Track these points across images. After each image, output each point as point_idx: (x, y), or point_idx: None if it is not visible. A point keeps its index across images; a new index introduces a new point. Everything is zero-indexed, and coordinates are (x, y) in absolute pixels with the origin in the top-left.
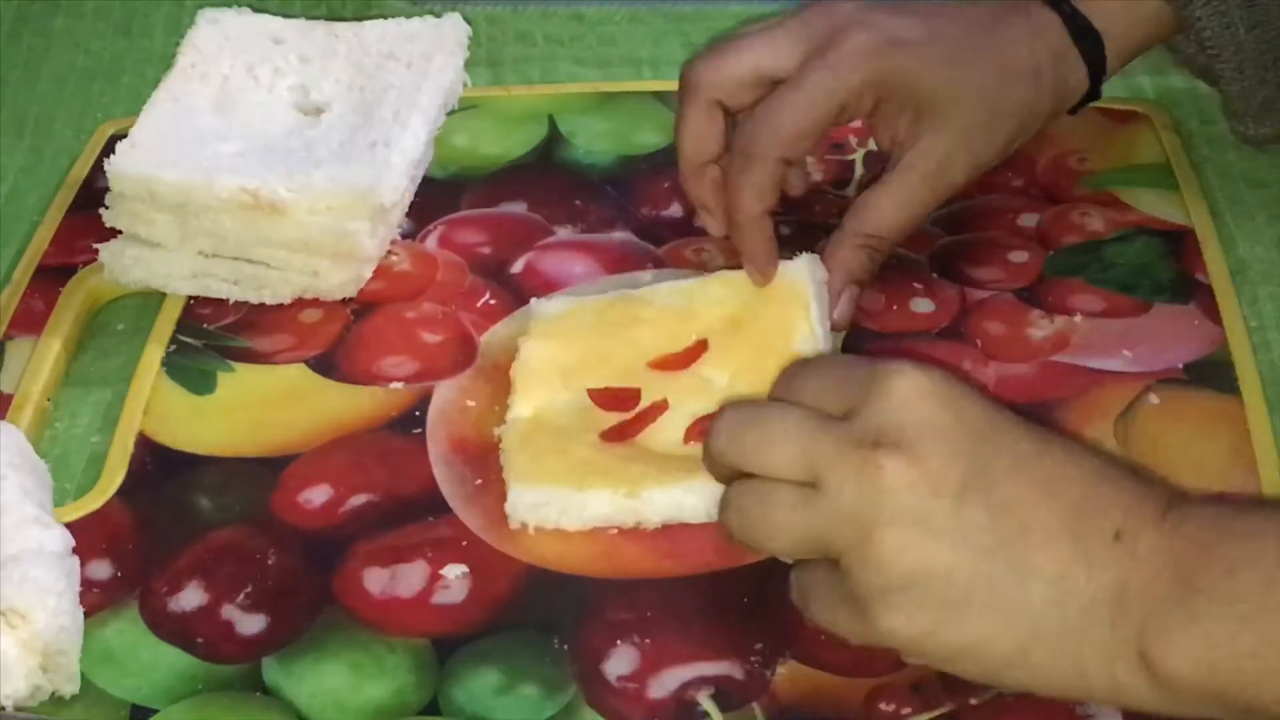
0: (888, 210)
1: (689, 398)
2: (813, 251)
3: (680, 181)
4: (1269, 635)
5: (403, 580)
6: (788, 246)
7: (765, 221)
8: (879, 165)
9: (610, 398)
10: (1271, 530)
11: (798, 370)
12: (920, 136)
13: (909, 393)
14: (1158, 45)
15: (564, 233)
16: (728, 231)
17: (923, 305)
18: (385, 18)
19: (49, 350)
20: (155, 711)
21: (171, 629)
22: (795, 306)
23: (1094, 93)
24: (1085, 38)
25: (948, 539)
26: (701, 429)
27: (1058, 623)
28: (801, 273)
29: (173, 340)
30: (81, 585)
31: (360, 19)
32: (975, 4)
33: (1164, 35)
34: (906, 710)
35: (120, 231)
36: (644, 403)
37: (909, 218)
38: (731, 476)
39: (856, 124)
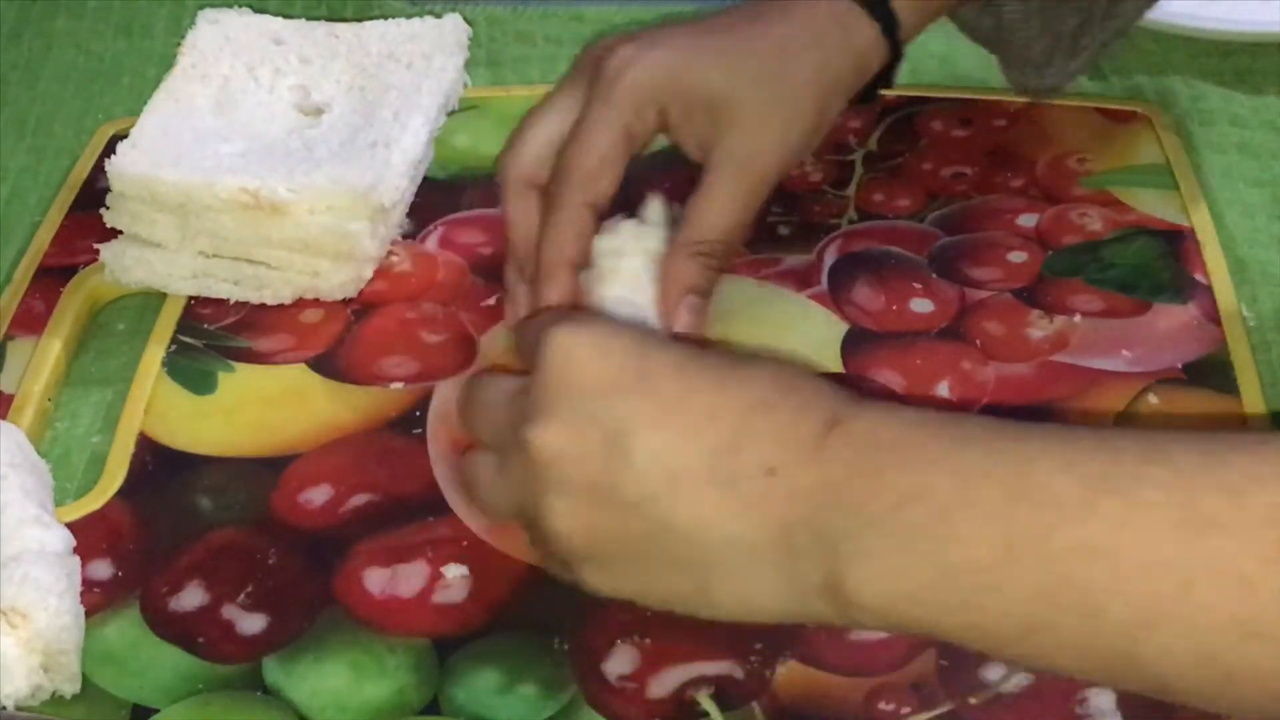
0: (707, 213)
1: None
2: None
3: (507, 277)
4: (945, 568)
5: (403, 580)
6: (787, 247)
7: (567, 274)
8: (879, 165)
9: None
10: (938, 456)
11: (516, 336)
12: (719, 136)
13: (557, 354)
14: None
15: None
16: (535, 287)
17: (922, 305)
18: (385, 18)
19: (50, 350)
20: (156, 711)
21: (172, 629)
22: None
23: (896, 54)
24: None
25: (600, 501)
26: None
27: (725, 564)
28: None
29: (173, 340)
30: (82, 585)
31: (360, 19)
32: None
33: None
34: (906, 710)
35: (121, 232)
36: None
37: (731, 217)
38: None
39: (856, 124)
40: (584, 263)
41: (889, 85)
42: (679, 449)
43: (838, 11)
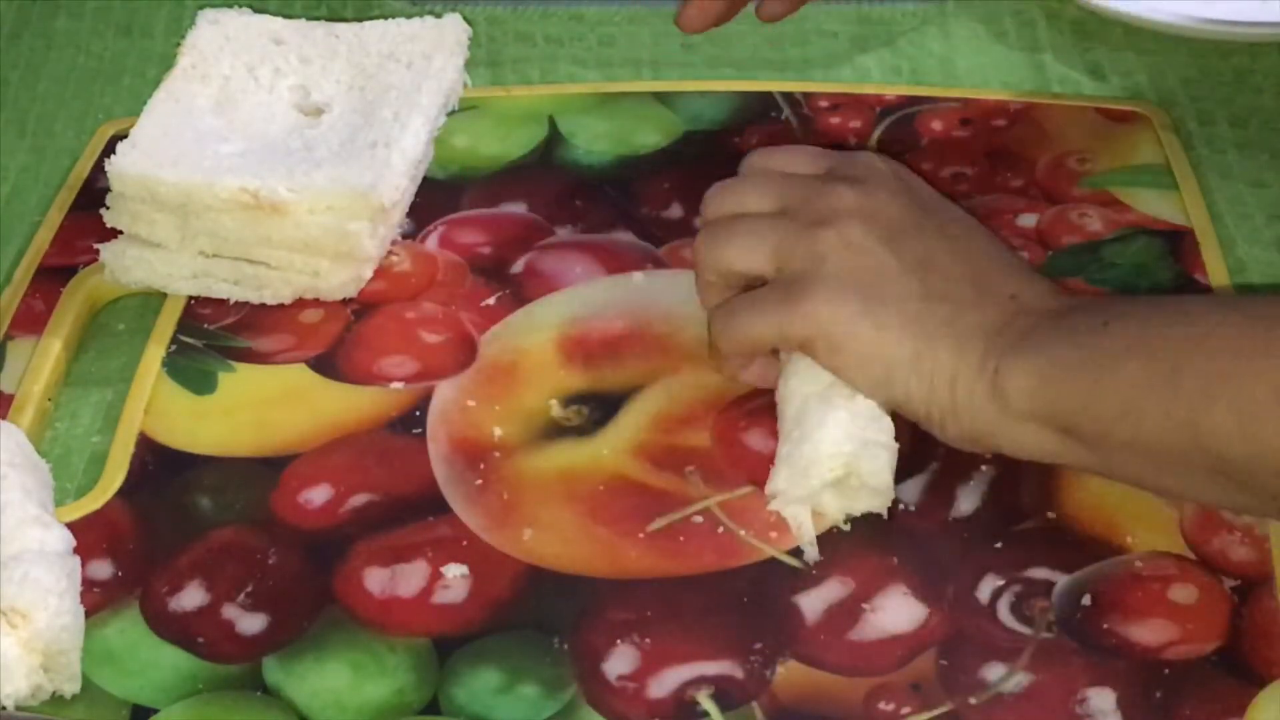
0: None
1: None
2: None
3: None
4: (1083, 354)
5: (403, 580)
6: None
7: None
8: None
9: None
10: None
11: (771, 154)
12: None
13: (869, 162)
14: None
15: (564, 233)
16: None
17: None
18: (385, 18)
19: (50, 350)
20: (156, 711)
21: (172, 629)
22: None
23: None
24: None
25: (876, 255)
26: None
27: (946, 339)
28: None
29: (173, 340)
30: (82, 585)
31: (360, 19)
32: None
33: None
34: (906, 710)
35: (121, 232)
36: None
37: None
38: (720, 296)
39: (856, 123)
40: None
41: None
42: (951, 258)
43: None
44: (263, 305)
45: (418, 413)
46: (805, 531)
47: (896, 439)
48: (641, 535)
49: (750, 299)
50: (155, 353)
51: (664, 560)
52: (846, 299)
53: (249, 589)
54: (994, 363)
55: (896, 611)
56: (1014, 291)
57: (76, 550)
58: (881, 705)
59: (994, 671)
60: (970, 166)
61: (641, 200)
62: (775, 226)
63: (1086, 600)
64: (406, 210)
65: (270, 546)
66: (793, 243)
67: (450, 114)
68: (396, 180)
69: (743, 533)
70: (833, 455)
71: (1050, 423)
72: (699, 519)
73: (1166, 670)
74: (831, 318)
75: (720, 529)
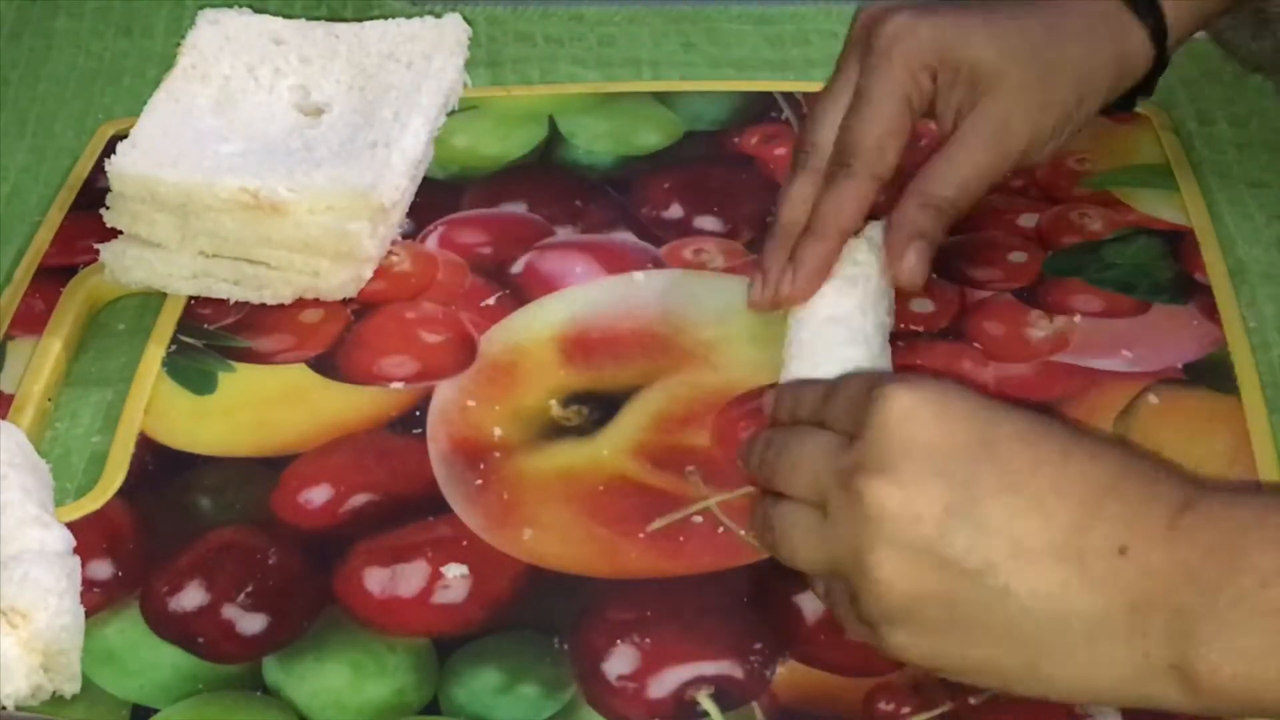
0: (947, 170)
1: None
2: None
3: (764, 254)
4: None
5: (403, 580)
6: None
7: (838, 240)
8: None
9: None
10: None
11: (810, 391)
12: (977, 103)
13: (896, 414)
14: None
15: (564, 233)
16: (798, 243)
17: (922, 305)
18: (385, 18)
19: (50, 350)
20: (156, 711)
21: (172, 628)
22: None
23: (1161, 61)
24: (1142, 6)
25: (934, 563)
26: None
27: (1062, 641)
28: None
29: (173, 340)
30: (82, 585)
31: (360, 19)
32: None
33: None
34: (906, 710)
35: (121, 232)
36: None
37: (969, 177)
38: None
39: None
40: (850, 233)
41: (1149, 94)
42: (1025, 521)
43: (1109, 11)
44: (263, 305)
45: (418, 413)
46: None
47: None
48: (641, 535)
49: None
50: (155, 353)
51: (664, 560)
52: (919, 641)
53: (249, 589)
54: (1163, 660)
55: None
56: (1122, 542)
57: (76, 550)
58: (882, 705)
59: None
60: None
61: (641, 200)
62: (823, 541)
63: None
64: (406, 210)
65: (270, 546)
66: (844, 567)
67: (450, 114)
68: (396, 180)
69: (743, 533)
70: None
71: (1263, 707)
72: (699, 519)
73: None
74: (917, 656)
75: (720, 529)
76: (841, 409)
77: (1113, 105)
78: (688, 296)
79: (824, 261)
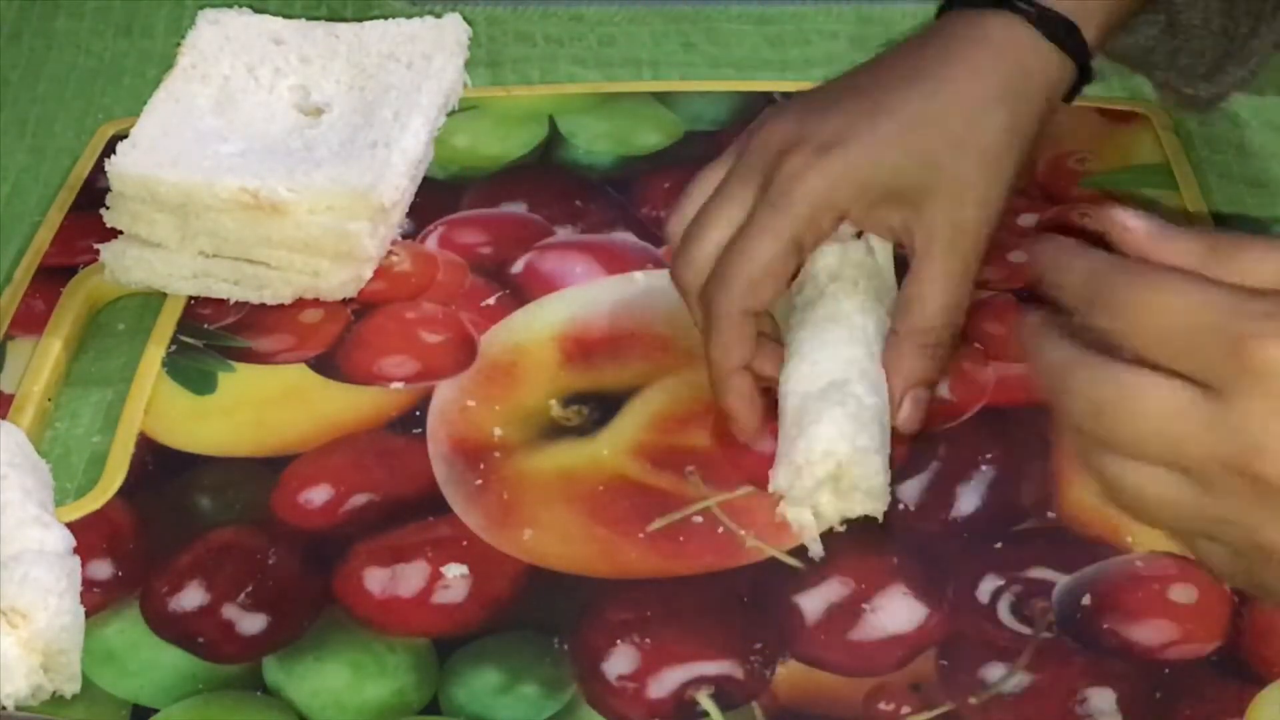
0: (924, 297)
1: None
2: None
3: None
4: None
5: (403, 580)
6: None
7: (741, 377)
8: None
9: None
10: None
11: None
12: (919, 217)
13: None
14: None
15: (564, 233)
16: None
17: None
18: (385, 18)
19: (50, 350)
20: (156, 711)
21: (172, 629)
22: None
23: (1085, 74)
24: (1057, 29)
25: None
26: None
27: None
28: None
29: (173, 340)
30: (82, 585)
31: (360, 19)
32: (924, 47)
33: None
34: (906, 710)
35: (121, 232)
36: None
37: (949, 297)
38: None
39: None
40: (750, 361)
41: (1069, 100)
42: None
43: (1022, 54)
44: (263, 305)
45: (418, 413)
46: (808, 530)
47: (893, 444)
48: (641, 535)
49: None
50: (155, 353)
51: (664, 560)
52: None
53: (249, 589)
54: None
55: (896, 611)
56: None
57: (76, 550)
58: (881, 705)
59: (994, 672)
60: None
61: (641, 200)
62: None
63: (1087, 600)
64: (406, 210)
65: (270, 546)
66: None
67: (450, 114)
68: (396, 180)
69: (743, 533)
70: (826, 453)
71: None
72: (699, 519)
73: (1166, 670)
74: None
75: (720, 529)
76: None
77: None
78: None
79: (745, 399)
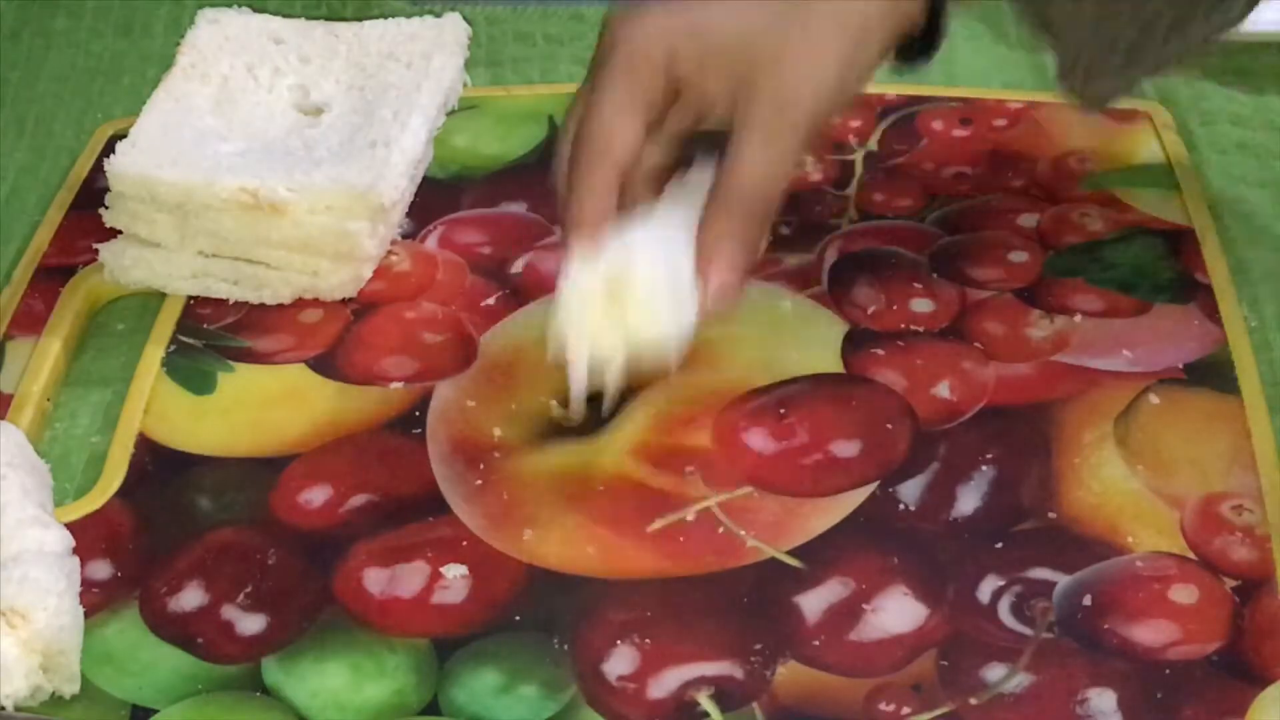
0: (745, 162)
1: None
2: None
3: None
4: None
5: (403, 580)
6: (787, 247)
7: (592, 230)
8: (879, 165)
9: None
10: None
11: None
12: (747, 82)
13: None
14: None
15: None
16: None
17: (922, 305)
18: (385, 18)
19: (49, 350)
20: (155, 711)
21: (171, 629)
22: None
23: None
24: None
25: None
26: None
27: None
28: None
29: (173, 340)
30: (81, 585)
31: (360, 19)
32: None
33: None
34: (906, 710)
35: (120, 231)
36: None
37: (771, 165)
38: None
39: (856, 123)
40: (606, 223)
41: (935, 47)
42: None
43: None
44: (262, 305)
45: (417, 413)
46: (577, 378)
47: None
48: (641, 535)
49: None
50: (155, 353)
51: (664, 560)
52: None
53: (248, 589)
54: None
55: (897, 612)
56: None
57: (76, 550)
58: (882, 706)
59: (994, 672)
60: (971, 166)
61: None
62: None
63: (1087, 601)
64: (406, 210)
65: (270, 547)
66: None
67: (450, 114)
68: (396, 180)
69: (742, 533)
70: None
71: None
72: (699, 519)
73: (1167, 671)
74: None
75: (720, 529)
76: None
77: (904, 59)
78: None
79: (593, 250)
